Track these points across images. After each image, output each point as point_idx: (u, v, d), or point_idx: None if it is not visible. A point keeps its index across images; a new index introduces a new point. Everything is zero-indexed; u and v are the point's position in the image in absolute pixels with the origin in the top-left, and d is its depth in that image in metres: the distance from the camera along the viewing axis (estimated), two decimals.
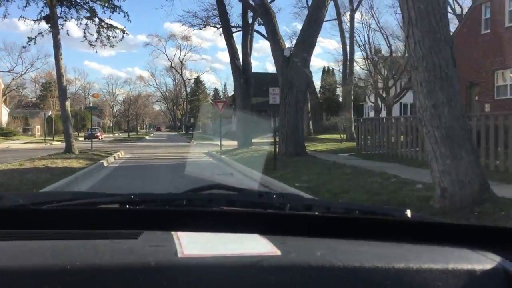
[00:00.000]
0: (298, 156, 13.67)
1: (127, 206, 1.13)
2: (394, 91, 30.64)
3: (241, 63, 20.78)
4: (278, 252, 0.83)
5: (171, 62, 74.08)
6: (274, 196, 1.22)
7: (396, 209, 1.21)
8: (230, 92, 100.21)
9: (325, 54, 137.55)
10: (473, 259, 0.88)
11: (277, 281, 0.76)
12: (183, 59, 73.76)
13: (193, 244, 0.86)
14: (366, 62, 30.80)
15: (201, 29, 32.14)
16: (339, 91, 43.53)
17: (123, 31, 18.56)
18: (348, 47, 28.64)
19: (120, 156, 18.90)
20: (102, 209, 1.12)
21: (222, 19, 21.57)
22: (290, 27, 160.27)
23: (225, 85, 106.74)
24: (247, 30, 22.14)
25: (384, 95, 29.86)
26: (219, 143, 26.06)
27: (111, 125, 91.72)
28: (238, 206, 1.15)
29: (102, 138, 41.39)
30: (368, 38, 31.96)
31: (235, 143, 25.75)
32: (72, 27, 60.94)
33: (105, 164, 14.49)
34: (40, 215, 1.04)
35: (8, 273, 0.73)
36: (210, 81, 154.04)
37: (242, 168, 12.49)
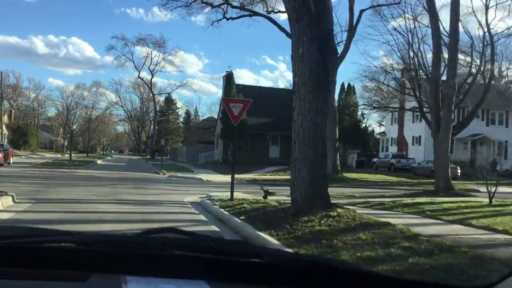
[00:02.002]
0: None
1: (78, 246, 1.09)
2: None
3: None
4: None
5: (139, 72, 62.92)
6: (226, 242, 1.29)
7: (340, 261, 1.31)
8: (202, 116, 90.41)
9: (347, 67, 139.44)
10: None
11: None
12: (153, 69, 62.64)
13: None
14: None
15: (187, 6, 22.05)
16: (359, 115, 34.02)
17: None
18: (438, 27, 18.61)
19: None
20: (52, 247, 1.06)
21: None
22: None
23: (196, 109, 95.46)
24: None
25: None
26: (204, 178, 17.69)
27: (64, 144, 79.77)
28: (189, 251, 1.13)
29: (10, 162, 26.17)
30: None
31: (223, 178, 20.58)
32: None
33: None
34: None
35: None
36: (183, 100, 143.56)
37: None
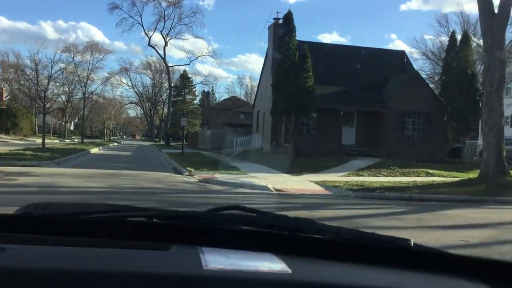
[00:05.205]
0: None
1: (158, 220, 1.19)
2: None
3: None
4: (289, 271, 0.90)
5: (149, 39, 51.11)
6: (289, 219, 1.28)
7: (401, 238, 1.20)
8: (219, 99, 78.76)
9: None
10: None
11: None
12: (167, 34, 50.92)
13: (216, 259, 0.93)
14: None
15: None
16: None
17: None
18: None
19: None
20: (136, 221, 1.16)
21: None
22: None
23: (213, 90, 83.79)
24: None
25: None
26: (270, 185, 12.25)
27: (67, 128, 69.78)
28: (255, 226, 1.19)
29: None
30: None
31: (299, 182, 13.36)
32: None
33: None
34: (83, 224, 1.11)
35: (59, 275, 0.81)
36: (201, 75, 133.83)
37: None
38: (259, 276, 0.88)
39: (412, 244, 1.17)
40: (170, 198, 9.78)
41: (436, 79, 37.35)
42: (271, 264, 0.94)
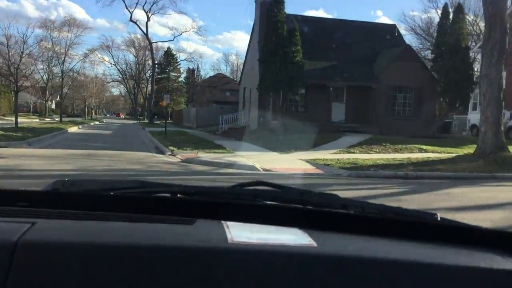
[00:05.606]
0: None
1: (183, 196, 1.20)
2: None
3: None
4: (315, 244, 0.90)
5: (131, 14, 49.03)
6: (314, 194, 1.28)
7: (427, 212, 1.18)
8: (204, 76, 77.10)
9: None
10: (492, 260, 0.91)
11: (312, 269, 0.84)
12: (149, 9, 48.96)
13: (241, 233, 0.93)
14: None
15: None
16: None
17: None
18: None
19: None
20: (163, 197, 1.18)
21: None
22: None
23: (198, 67, 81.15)
24: None
25: None
26: (258, 165, 11.31)
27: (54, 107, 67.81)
28: (280, 201, 1.19)
29: None
30: None
31: (288, 161, 12.60)
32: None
33: None
34: (110, 200, 1.13)
35: (91, 248, 0.83)
36: (185, 52, 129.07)
37: None
38: (285, 249, 0.88)
39: (438, 218, 1.15)
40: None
41: (423, 54, 36.63)
42: (296, 238, 0.94)
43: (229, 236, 0.89)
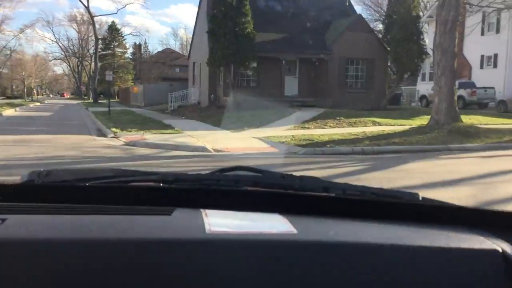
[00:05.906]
0: None
1: (161, 184, 1.16)
2: None
3: None
4: (295, 231, 0.89)
5: None
6: (295, 178, 1.26)
7: (409, 192, 1.17)
8: (152, 51, 74.21)
9: None
10: (473, 241, 0.92)
11: (292, 257, 0.83)
12: None
13: (219, 222, 0.92)
14: None
15: None
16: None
17: None
18: None
19: None
20: (138, 186, 1.15)
21: None
22: None
23: (145, 42, 77.75)
24: None
25: None
26: (209, 145, 10.65)
27: None
28: (261, 186, 1.18)
29: None
30: None
31: (240, 139, 11.91)
32: None
33: None
34: (85, 191, 1.08)
35: (61, 245, 0.79)
36: (131, 26, 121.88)
37: None
38: (263, 238, 0.87)
39: (420, 198, 1.15)
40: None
41: (373, 26, 36.61)
42: (276, 225, 0.93)
43: (207, 226, 0.88)
